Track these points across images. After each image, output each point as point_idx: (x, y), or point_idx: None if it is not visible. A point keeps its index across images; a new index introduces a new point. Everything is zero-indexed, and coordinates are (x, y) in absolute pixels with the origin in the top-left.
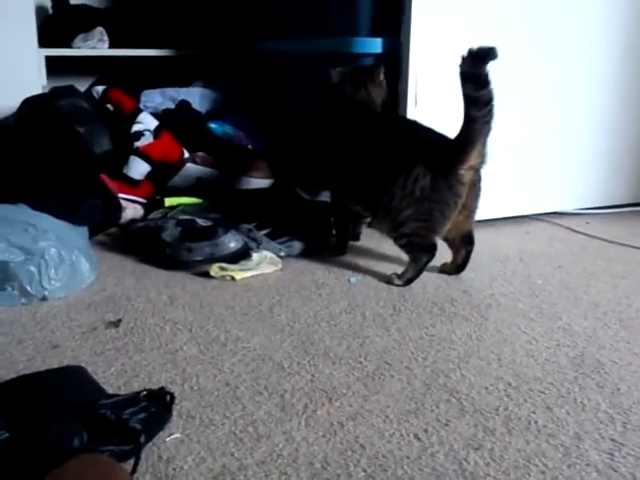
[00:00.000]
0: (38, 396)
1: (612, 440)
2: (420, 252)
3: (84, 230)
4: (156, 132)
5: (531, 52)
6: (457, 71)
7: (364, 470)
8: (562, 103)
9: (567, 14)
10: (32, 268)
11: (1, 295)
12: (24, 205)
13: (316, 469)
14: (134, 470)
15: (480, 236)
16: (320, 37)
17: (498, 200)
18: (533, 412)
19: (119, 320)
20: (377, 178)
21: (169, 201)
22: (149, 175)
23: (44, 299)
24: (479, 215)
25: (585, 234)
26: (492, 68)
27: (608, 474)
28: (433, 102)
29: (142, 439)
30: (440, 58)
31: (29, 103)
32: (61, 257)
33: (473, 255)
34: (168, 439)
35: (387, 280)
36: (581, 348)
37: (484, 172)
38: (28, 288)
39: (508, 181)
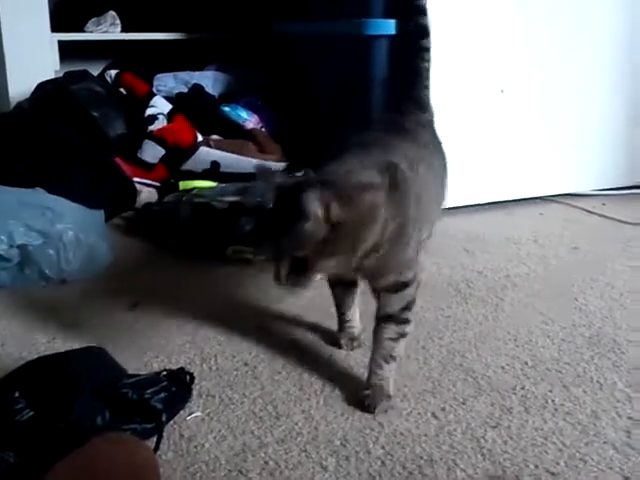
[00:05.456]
0: (61, 376)
1: (629, 418)
2: None
3: (100, 213)
4: (169, 116)
5: (547, 36)
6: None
7: (383, 447)
8: (577, 83)
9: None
10: (50, 251)
11: (21, 278)
12: (41, 189)
13: (335, 446)
14: (157, 448)
15: (495, 218)
16: (334, 19)
17: (511, 182)
18: (550, 391)
19: (137, 302)
20: None
21: (183, 184)
22: (163, 159)
23: (63, 282)
24: (493, 198)
25: (601, 215)
26: (510, 51)
27: (625, 452)
28: (447, 82)
29: (164, 418)
30: (455, 38)
31: (43, 88)
32: (79, 240)
33: (488, 236)
34: (189, 418)
35: None
36: (597, 328)
37: (498, 153)
38: (47, 271)
39: (522, 162)
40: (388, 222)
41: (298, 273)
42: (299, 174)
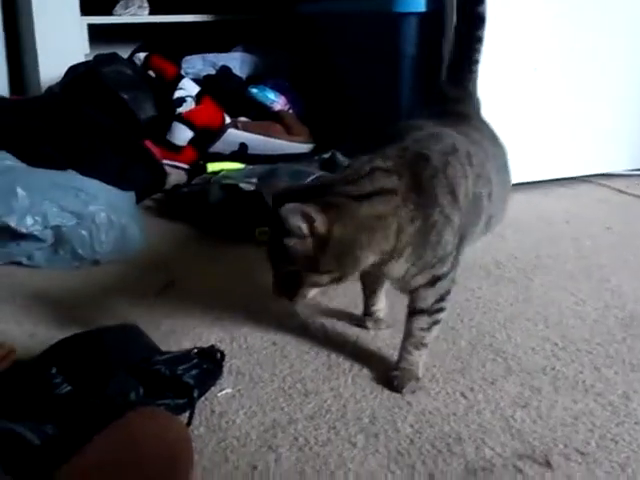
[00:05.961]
0: (96, 352)
1: None
2: None
3: (132, 195)
4: (198, 98)
5: (579, 14)
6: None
7: (411, 426)
8: (610, 62)
9: None
10: (83, 232)
11: (55, 259)
12: (73, 171)
13: (364, 424)
14: (189, 422)
15: (526, 198)
16: None
17: (545, 162)
18: (580, 372)
19: (168, 283)
20: None
21: (212, 166)
22: (191, 141)
23: (96, 263)
24: (526, 177)
25: (635, 195)
26: (543, 28)
27: None
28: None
29: (195, 393)
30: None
31: (74, 71)
32: (111, 221)
33: (520, 217)
34: (220, 394)
35: None
36: (630, 309)
37: (532, 132)
38: (80, 252)
39: (555, 142)
40: (405, 226)
41: (292, 287)
42: (326, 155)
